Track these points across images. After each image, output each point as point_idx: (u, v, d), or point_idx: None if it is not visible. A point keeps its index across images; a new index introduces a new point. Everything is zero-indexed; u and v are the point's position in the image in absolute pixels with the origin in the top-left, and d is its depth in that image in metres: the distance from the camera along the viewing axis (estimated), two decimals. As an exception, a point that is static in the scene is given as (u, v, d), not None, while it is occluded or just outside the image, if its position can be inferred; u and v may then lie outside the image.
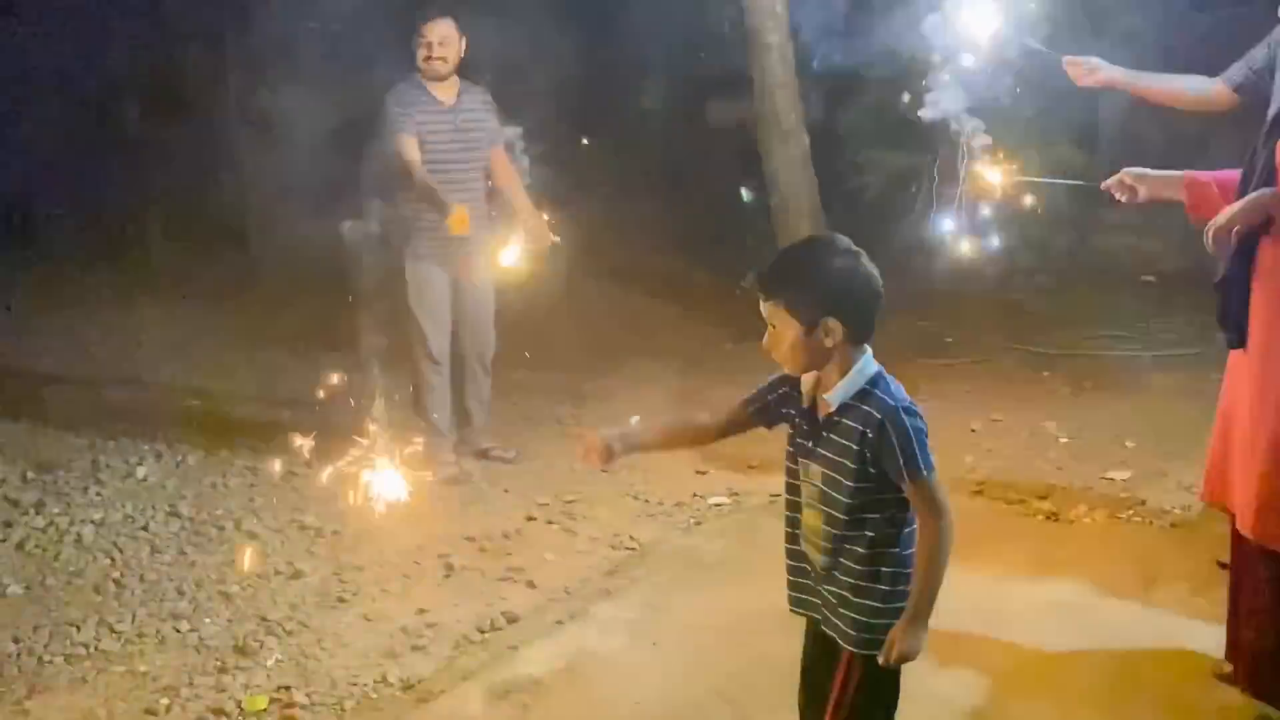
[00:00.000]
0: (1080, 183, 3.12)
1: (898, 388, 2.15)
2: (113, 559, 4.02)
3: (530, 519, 4.38)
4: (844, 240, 2.18)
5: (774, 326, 2.16)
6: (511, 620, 3.58)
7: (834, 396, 2.15)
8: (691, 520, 4.35)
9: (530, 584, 3.83)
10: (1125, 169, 3.02)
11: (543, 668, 3.26)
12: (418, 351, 4.79)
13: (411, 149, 4.56)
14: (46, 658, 3.36)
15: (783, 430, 2.32)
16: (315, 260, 7.21)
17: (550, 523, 4.35)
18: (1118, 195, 3.03)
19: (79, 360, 6.59)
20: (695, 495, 4.57)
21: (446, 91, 4.67)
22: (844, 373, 2.14)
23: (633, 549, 4.10)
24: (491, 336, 4.94)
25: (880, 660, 2.14)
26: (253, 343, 6.88)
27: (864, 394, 2.13)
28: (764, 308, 2.17)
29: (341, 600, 3.72)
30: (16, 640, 3.45)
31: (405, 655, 3.38)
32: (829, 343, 2.11)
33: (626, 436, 2.31)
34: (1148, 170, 2.98)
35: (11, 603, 3.71)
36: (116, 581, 3.84)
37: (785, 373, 2.25)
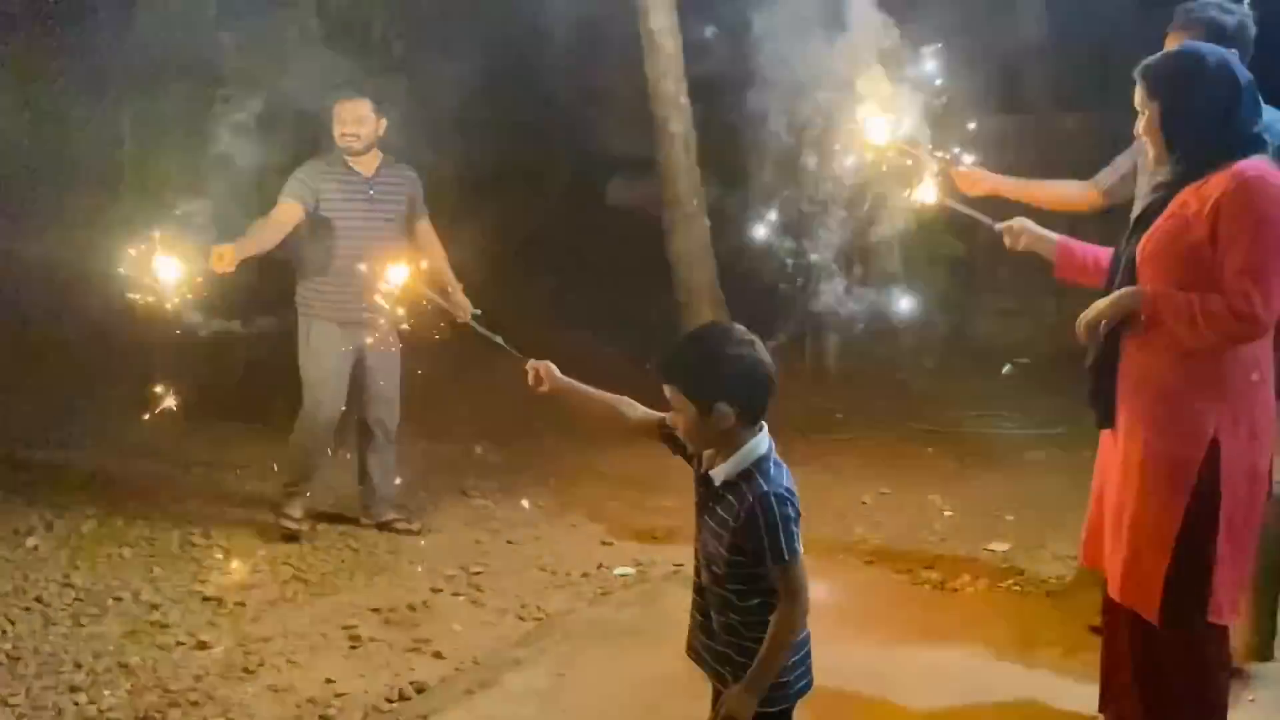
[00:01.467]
0: (984, 218, 3.51)
1: (778, 472, 2.32)
2: (4, 631, 3.91)
3: (436, 590, 4.41)
4: (740, 330, 2.37)
5: (674, 407, 2.36)
6: (420, 690, 3.59)
7: (718, 473, 2.33)
8: (599, 590, 4.43)
9: (438, 654, 3.85)
10: (1019, 218, 3.43)
11: (454, 737, 3.29)
12: (305, 413, 4.85)
13: (284, 212, 4.66)
14: (-65, 734, 3.26)
15: (688, 500, 2.48)
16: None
17: (457, 594, 4.39)
18: (1006, 239, 3.42)
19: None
20: (601, 566, 4.66)
21: (363, 164, 4.81)
22: (734, 451, 2.31)
23: (540, 619, 4.16)
24: (396, 407, 5.00)
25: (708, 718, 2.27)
26: (144, 409, 6.72)
27: (746, 474, 2.30)
28: (665, 390, 2.37)
29: (247, 671, 3.68)
30: (-99, 717, 3.33)
31: (314, 726, 3.37)
32: (721, 425, 2.29)
33: (567, 381, 2.71)
34: (1033, 226, 3.39)
35: (-105, 678, 3.57)
36: (9, 654, 3.74)
37: None
